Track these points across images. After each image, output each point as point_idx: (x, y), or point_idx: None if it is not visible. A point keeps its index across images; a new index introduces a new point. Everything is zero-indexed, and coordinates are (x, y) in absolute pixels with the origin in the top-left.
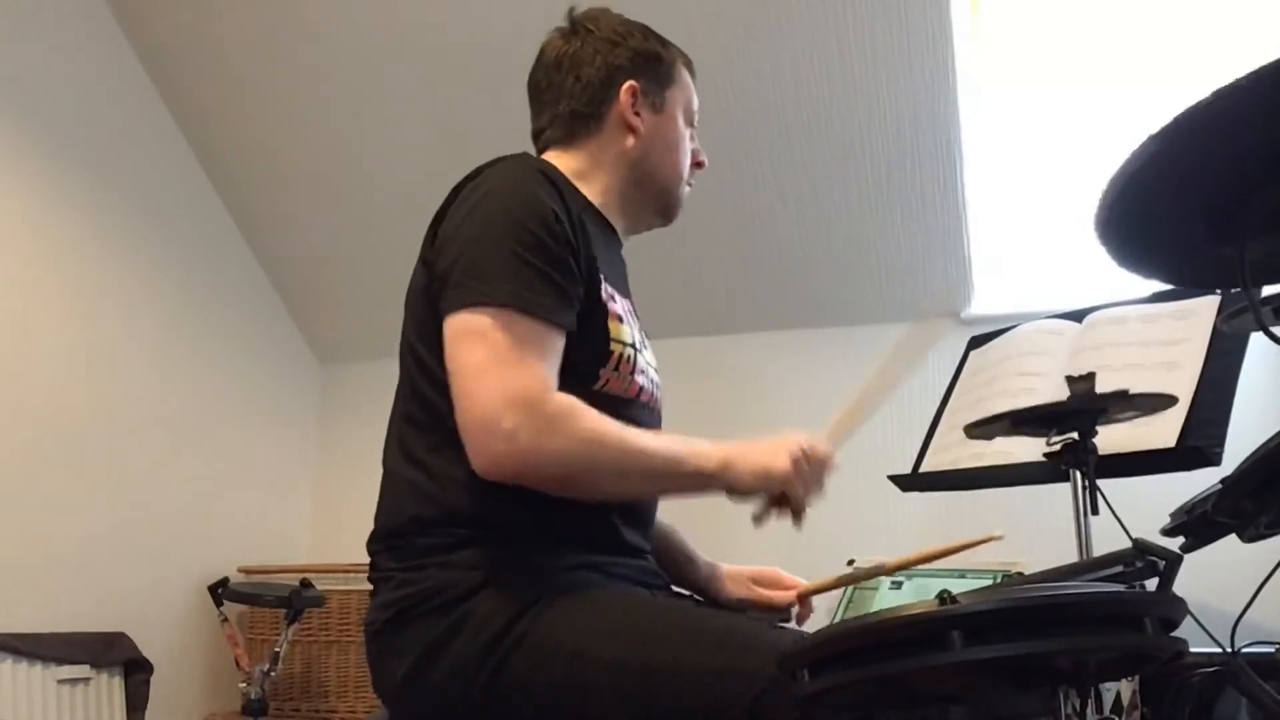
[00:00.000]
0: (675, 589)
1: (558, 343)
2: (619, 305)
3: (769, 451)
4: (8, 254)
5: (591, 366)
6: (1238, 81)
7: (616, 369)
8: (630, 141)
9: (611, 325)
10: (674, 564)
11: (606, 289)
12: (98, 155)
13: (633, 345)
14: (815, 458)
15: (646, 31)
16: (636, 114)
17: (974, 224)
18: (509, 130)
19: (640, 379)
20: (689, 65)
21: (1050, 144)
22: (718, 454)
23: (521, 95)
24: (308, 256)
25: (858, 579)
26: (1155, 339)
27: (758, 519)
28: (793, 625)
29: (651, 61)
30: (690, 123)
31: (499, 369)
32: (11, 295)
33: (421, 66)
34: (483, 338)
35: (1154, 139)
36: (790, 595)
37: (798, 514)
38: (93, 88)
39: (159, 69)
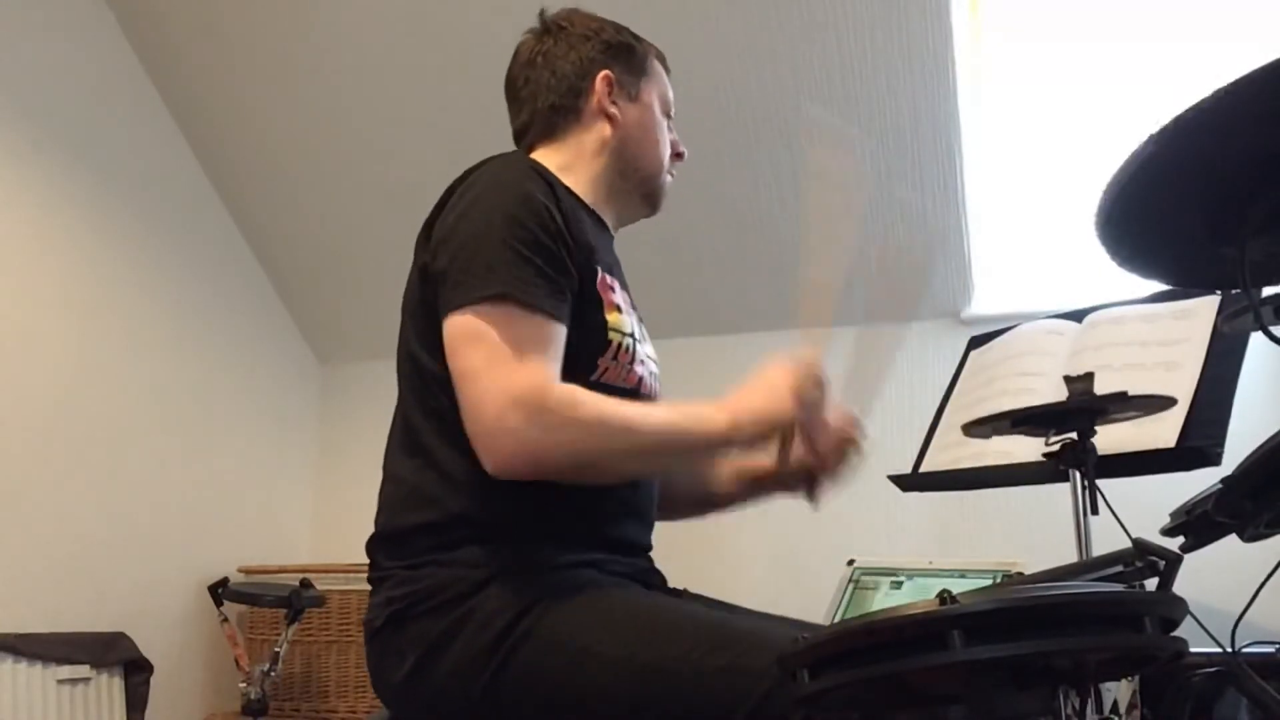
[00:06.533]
0: (673, 588)
1: (557, 335)
2: (618, 296)
3: (767, 395)
4: (7, 253)
5: (590, 356)
6: (1238, 81)
7: (615, 358)
8: (610, 130)
9: (610, 315)
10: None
11: (605, 279)
12: (98, 155)
13: (631, 335)
14: (811, 379)
15: (618, 27)
16: (614, 103)
17: (974, 224)
18: (509, 129)
19: (639, 369)
20: (662, 59)
21: (1050, 144)
22: (722, 415)
23: None
24: (308, 257)
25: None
26: (1155, 339)
27: (780, 464)
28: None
29: (625, 52)
30: (667, 113)
31: (499, 368)
32: (11, 295)
33: (422, 66)
34: (481, 338)
35: (1154, 139)
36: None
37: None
38: (93, 88)
39: (159, 69)
